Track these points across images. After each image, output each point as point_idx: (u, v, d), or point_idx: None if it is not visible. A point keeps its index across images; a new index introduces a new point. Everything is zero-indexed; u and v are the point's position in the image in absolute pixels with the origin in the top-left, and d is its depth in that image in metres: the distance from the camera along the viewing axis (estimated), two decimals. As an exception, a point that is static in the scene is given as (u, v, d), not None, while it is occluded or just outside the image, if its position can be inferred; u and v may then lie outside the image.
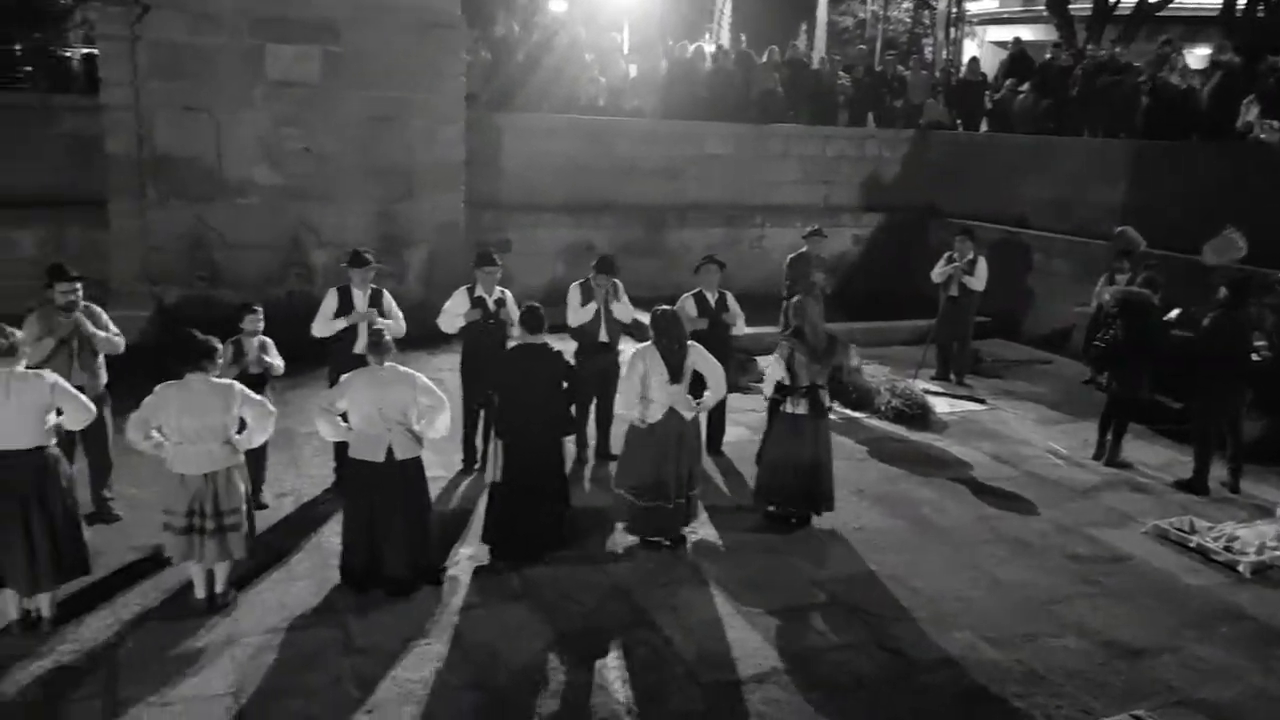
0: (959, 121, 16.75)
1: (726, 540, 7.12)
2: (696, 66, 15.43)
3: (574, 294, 8.17)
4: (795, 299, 7.43)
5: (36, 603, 5.56)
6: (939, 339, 11.44)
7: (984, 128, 16.60)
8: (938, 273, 11.15)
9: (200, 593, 5.87)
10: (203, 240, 11.08)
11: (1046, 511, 7.92)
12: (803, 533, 7.30)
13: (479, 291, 7.77)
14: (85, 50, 14.17)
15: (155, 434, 5.62)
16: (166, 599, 5.94)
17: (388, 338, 6.12)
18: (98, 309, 6.79)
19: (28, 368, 5.54)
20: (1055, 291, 12.91)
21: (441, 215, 11.95)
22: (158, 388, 5.66)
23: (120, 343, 6.81)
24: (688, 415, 6.73)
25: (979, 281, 11.03)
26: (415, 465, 6.14)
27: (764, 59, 15.86)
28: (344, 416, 6.08)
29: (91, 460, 6.85)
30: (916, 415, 9.93)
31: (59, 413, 5.53)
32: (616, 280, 8.21)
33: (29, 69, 13.58)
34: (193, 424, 5.57)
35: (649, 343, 6.70)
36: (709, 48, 16.30)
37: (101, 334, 6.66)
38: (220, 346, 5.87)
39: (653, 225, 14.04)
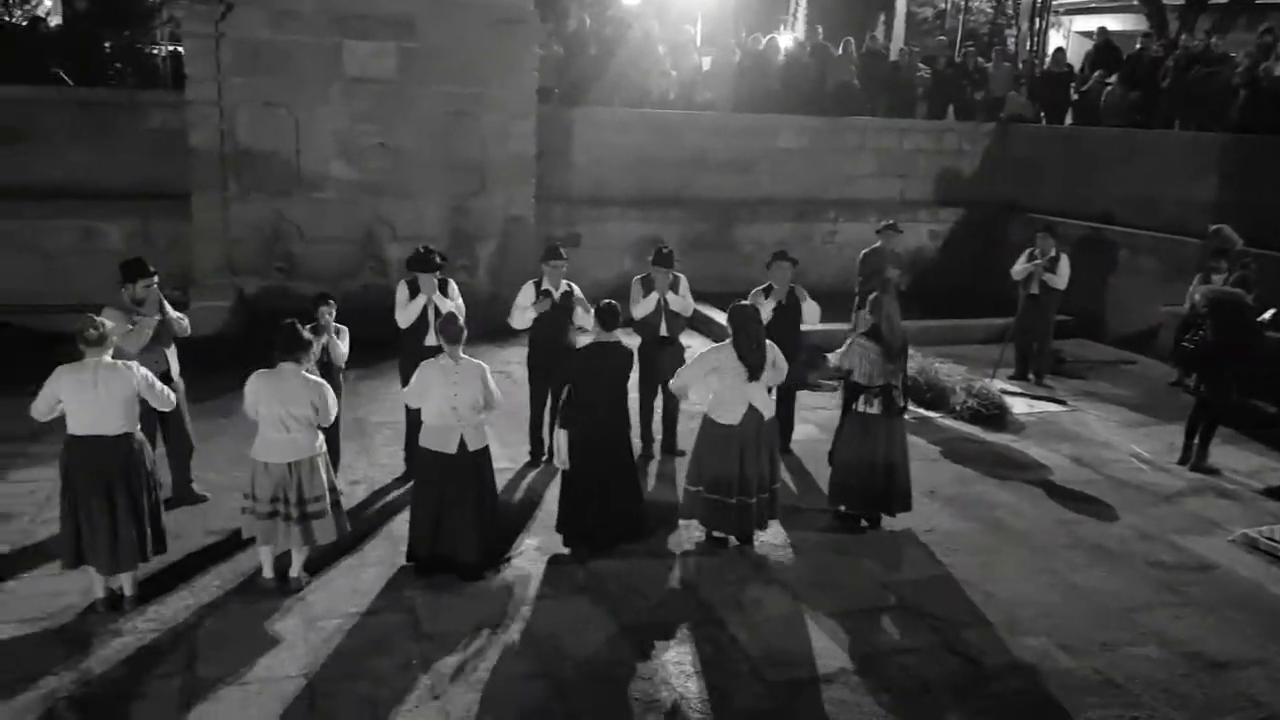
0: (1042, 114, 16.31)
1: (795, 539, 7.02)
2: (770, 59, 15.29)
3: (636, 287, 8.17)
4: (873, 295, 7.26)
5: (119, 581, 5.75)
6: (1018, 338, 11.16)
7: (1068, 121, 16.14)
8: (1018, 270, 10.87)
9: (268, 574, 6.01)
10: (281, 233, 11.32)
11: (1128, 517, 7.66)
12: (873, 534, 7.18)
13: (545, 285, 7.81)
14: (171, 47, 14.58)
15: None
16: (243, 581, 6.08)
17: (460, 322, 6.21)
18: (167, 305, 6.95)
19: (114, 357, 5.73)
20: (1141, 290, 12.49)
21: (512, 210, 12.03)
22: (253, 375, 5.82)
23: (186, 326, 6.97)
24: (767, 414, 6.62)
25: (1061, 279, 10.72)
26: (485, 455, 6.26)
27: (840, 51, 15.64)
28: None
29: (172, 445, 7.04)
30: (993, 416, 9.70)
31: (143, 403, 5.71)
32: (678, 274, 8.16)
33: (118, 66, 13.98)
34: (281, 412, 5.71)
35: (726, 341, 6.60)
36: (783, 40, 16.13)
37: (175, 314, 6.85)
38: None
39: (723, 220, 13.94)
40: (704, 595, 6.21)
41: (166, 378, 6.56)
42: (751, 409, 6.52)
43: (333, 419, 6.05)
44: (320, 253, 11.46)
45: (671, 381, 6.90)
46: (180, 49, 11.80)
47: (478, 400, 6.09)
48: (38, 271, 11.37)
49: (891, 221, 10.55)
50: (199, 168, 10.93)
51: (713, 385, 6.65)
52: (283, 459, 5.78)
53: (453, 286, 7.66)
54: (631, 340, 7.42)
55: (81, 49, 12.94)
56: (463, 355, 6.14)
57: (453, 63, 11.35)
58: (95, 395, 5.44)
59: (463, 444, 6.07)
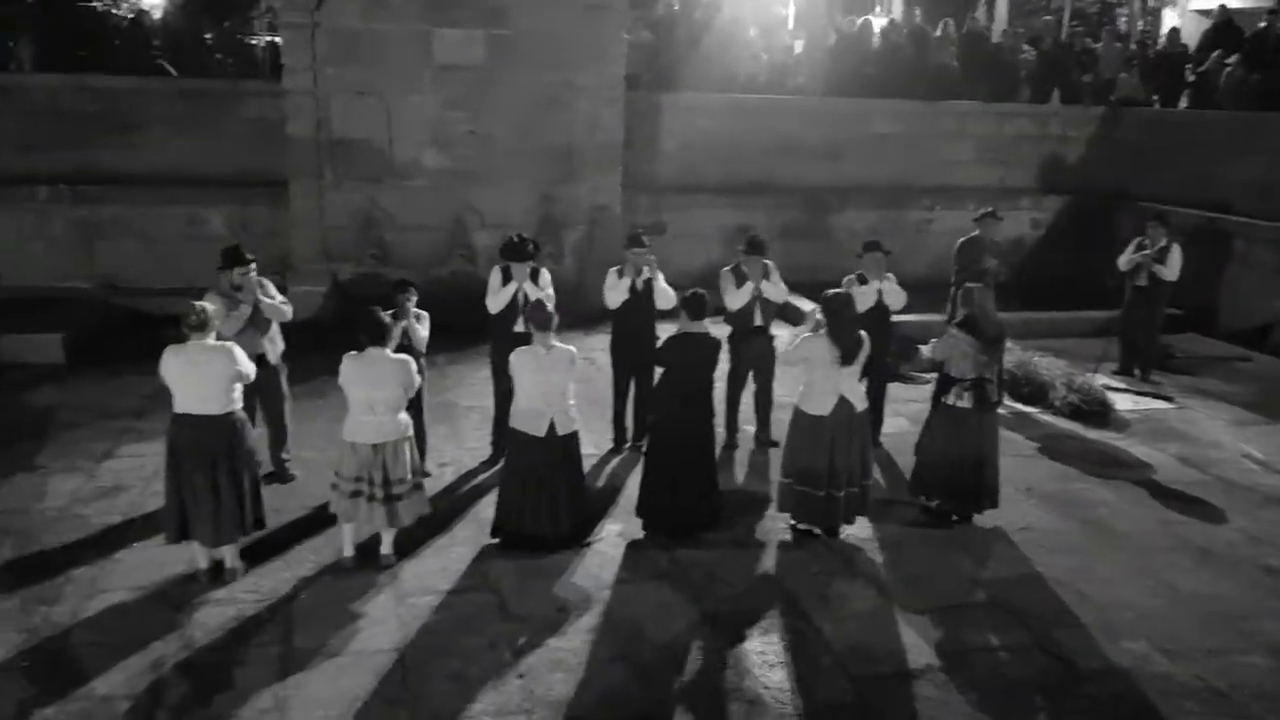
0: (1155, 97, 15.60)
1: (883, 534, 6.86)
2: (864, 41, 14.94)
3: (726, 278, 8.02)
4: (965, 285, 7.06)
5: (221, 553, 5.96)
6: (1124, 332, 10.71)
7: (1183, 104, 15.42)
8: (1125, 260, 10.41)
9: (348, 551, 6.16)
10: (374, 220, 11.52)
11: (1237, 520, 7.29)
12: (963, 530, 6.96)
13: (625, 272, 7.77)
14: (269, 38, 14.95)
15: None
16: (337, 556, 6.20)
17: (550, 308, 6.32)
18: (266, 281, 7.12)
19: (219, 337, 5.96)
20: (1257, 284, 11.89)
21: (599, 197, 12.01)
22: (344, 358, 5.98)
23: (288, 311, 7.12)
24: (859, 406, 6.49)
25: (1171, 271, 10.24)
26: (574, 440, 6.37)
27: (939, 32, 15.21)
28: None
29: (270, 424, 7.26)
30: (1095, 412, 9.32)
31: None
32: (768, 261, 8.01)
33: (219, 57, 14.39)
34: (368, 395, 5.88)
35: (819, 331, 6.46)
36: (878, 21, 15.76)
37: (268, 300, 6.99)
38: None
39: (813, 207, 13.70)
40: (789, 586, 6.11)
41: (261, 361, 6.75)
42: (843, 400, 6.39)
43: (415, 390, 6.19)
44: (411, 240, 11.63)
45: (785, 354, 6.82)
46: (278, 39, 12.06)
47: (567, 386, 6.22)
48: (145, 255, 11.81)
49: (990, 209, 10.21)
50: (296, 156, 11.19)
51: (803, 375, 6.54)
52: (369, 440, 5.92)
53: (545, 275, 7.66)
54: (720, 330, 7.33)
55: (184, 41, 13.32)
56: (554, 342, 6.20)
57: (542, 50, 11.37)
58: (198, 376, 5.66)
59: (552, 428, 6.18)
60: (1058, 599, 6.09)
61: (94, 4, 14.52)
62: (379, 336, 5.96)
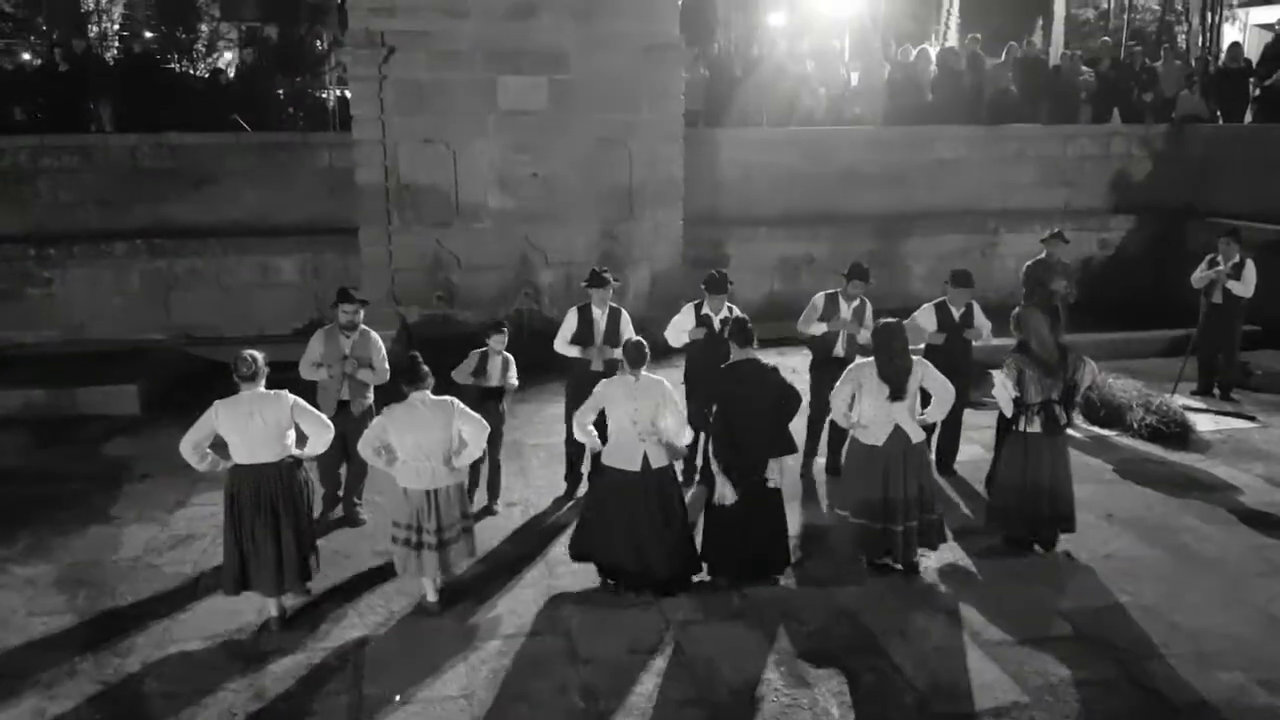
0: (1219, 113, 15.30)
1: (963, 565, 6.75)
2: (921, 70, 14.91)
3: (816, 306, 7.99)
4: (1016, 310, 6.99)
5: (287, 600, 6.05)
6: (1200, 350, 10.44)
7: (1248, 119, 15.08)
8: (1198, 277, 10.19)
9: (431, 597, 6.16)
10: (441, 263, 11.72)
11: (1334, 542, 7.03)
12: (1045, 559, 6.82)
13: (706, 309, 7.74)
14: (339, 91, 15.38)
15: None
16: (407, 601, 6.25)
17: (641, 343, 6.32)
18: (374, 336, 7.33)
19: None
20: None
21: (662, 233, 12.10)
22: (384, 410, 6.03)
23: (383, 374, 7.27)
24: (915, 438, 6.38)
25: (1246, 287, 9.99)
26: (669, 472, 6.30)
27: (1001, 58, 15.11)
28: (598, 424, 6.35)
29: (351, 467, 7.36)
30: (1175, 433, 9.09)
31: (299, 431, 5.99)
32: (863, 296, 7.98)
33: (290, 110, 14.83)
34: (416, 441, 5.89)
35: (869, 359, 6.43)
36: (933, 50, 15.70)
37: (361, 371, 7.20)
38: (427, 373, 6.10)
39: (877, 235, 13.63)
40: (865, 621, 6.02)
41: (344, 406, 7.11)
42: (898, 429, 6.31)
43: (478, 452, 6.15)
44: (477, 281, 11.82)
45: (839, 419, 6.68)
46: (347, 92, 12.40)
47: (658, 414, 6.12)
48: (218, 305, 12.16)
49: (1057, 230, 10.07)
50: (365, 203, 11.47)
51: (857, 405, 6.45)
52: (423, 486, 5.93)
53: (625, 317, 7.74)
54: (786, 360, 7.30)
55: (257, 97, 13.76)
56: (643, 373, 6.19)
57: (602, 92, 11.54)
58: (253, 425, 5.74)
59: (645, 461, 6.11)
60: (1146, 629, 5.92)
61: (172, 65, 15.11)
62: (416, 378, 5.95)
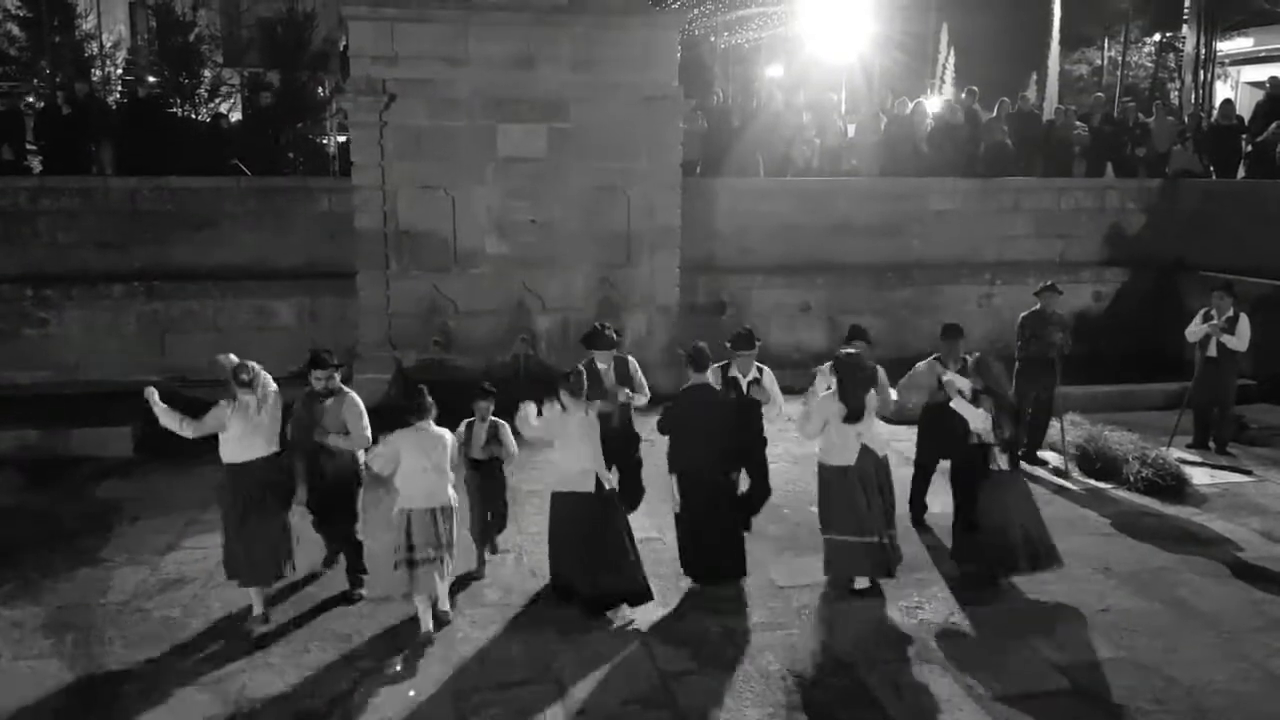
0: (1211, 168, 15.48)
1: (956, 616, 6.70)
2: (917, 123, 15.10)
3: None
4: (974, 357, 7.46)
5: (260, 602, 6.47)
6: (1196, 404, 10.45)
7: (1240, 174, 15.26)
8: (1193, 331, 10.23)
9: (425, 625, 6.34)
10: (438, 308, 11.75)
11: (1331, 598, 6.98)
12: (1041, 611, 6.77)
13: (733, 372, 7.61)
14: (340, 138, 15.52)
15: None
16: (394, 654, 6.18)
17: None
18: (353, 399, 6.83)
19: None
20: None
21: (659, 280, 12.15)
22: (396, 433, 6.36)
23: (361, 440, 6.76)
24: (880, 452, 6.90)
25: (1240, 341, 10.02)
26: (615, 497, 6.77)
27: (995, 113, 15.32)
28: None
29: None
30: (1170, 487, 9.07)
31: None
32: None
33: (291, 156, 14.95)
34: (421, 461, 6.32)
35: (830, 390, 6.88)
36: (930, 104, 15.92)
37: (332, 438, 6.72)
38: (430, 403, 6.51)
39: (873, 284, 13.71)
40: (861, 674, 5.96)
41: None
42: (865, 449, 6.79)
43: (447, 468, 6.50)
44: (474, 326, 11.84)
45: (801, 428, 7.09)
46: (347, 138, 12.52)
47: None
48: (214, 347, 11.84)
49: (1051, 283, 10.12)
50: (364, 248, 11.52)
51: (824, 434, 6.87)
52: (425, 505, 6.33)
53: (633, 364, 7.85)
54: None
55: (258, 142, 13.88)
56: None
57: (601, 140, 11.66)
58: (253, 426, 6.28)
59: (599, 483, 6.62)
60: (1143, 684, 5.86)
61: (174, 110, 15.25)
62: (422, 411, 6.41)
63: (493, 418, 7.22)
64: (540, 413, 6.71)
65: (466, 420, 7.20)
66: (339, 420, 6.72)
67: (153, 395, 6.41)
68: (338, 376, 6.91)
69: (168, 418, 6.37)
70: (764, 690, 5.79)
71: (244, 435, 6.26)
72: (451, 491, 6.47)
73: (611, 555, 6.52)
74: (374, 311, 11.65)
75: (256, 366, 6.37)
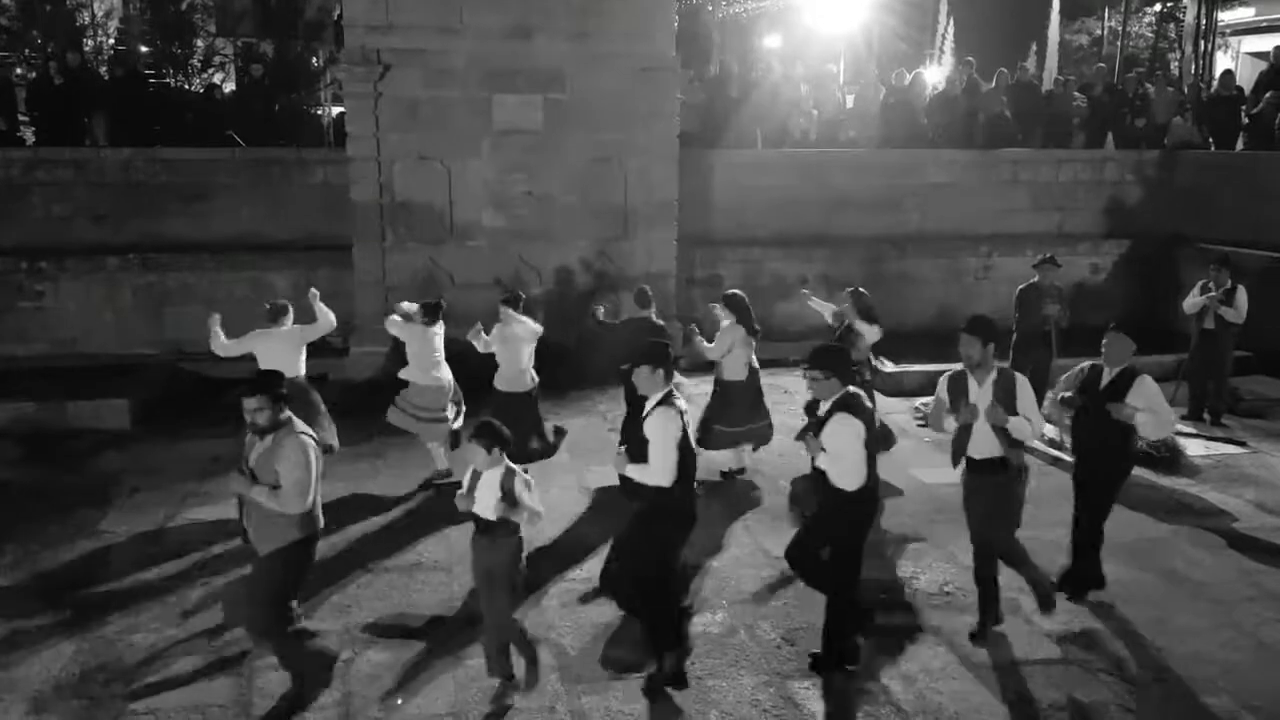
0: (1210, 140, 15.42)
1: (955, 585, 6.73)
2: (916, 94, 15.01)
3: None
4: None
5: None
6: (1192, 376, 10.48)
7: (1239, 146, 15.20)
8: (1190, 304, 10.24)
9: (440, 465, 8.29)
10: (434, 280, 11.72)
11: (1323, 567, 7.03)
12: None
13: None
14: (335, 109, 15.42)
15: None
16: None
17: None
18: (292, 445, 4.99)
19: None
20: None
21: (655, 252, 12.13)
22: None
23: (289, 502, 4.97)
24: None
25: (1237, 313, 10.04)
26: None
27: (993, 84, 15.23)
28: None
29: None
30: (1165, 458, 9.10)
31: None
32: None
33: (286, 128, 14.84)
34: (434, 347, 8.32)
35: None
36: (929, 75, 15.82)
37: (256, 490, 4.99)
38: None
39: (870, 257, 13.67)
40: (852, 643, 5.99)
41: None
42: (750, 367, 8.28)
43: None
44: (470, 298, 11.77)
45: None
46: (342, 109, 12.45)
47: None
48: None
49: (1049, 255, 10.11)
50: (360, 220, 11.48)
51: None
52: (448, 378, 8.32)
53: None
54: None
55: (253, 113, 13.79)
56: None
57: (597, 112, 11.59)
58: (276, 340, 7.84)
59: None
60: (1136, 654, 5.91)
61: (168, 80, 15.13)
62: (436, 316, 8.33)
63: (507, 462, 5.21)
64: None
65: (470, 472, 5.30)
66: (269, 469, 5.00)
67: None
68: (270, 412, 5.01)
69: None
70: (759, 657, 5.83)
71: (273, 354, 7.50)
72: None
73: None
74: (370, 284, 11.62)
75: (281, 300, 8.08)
